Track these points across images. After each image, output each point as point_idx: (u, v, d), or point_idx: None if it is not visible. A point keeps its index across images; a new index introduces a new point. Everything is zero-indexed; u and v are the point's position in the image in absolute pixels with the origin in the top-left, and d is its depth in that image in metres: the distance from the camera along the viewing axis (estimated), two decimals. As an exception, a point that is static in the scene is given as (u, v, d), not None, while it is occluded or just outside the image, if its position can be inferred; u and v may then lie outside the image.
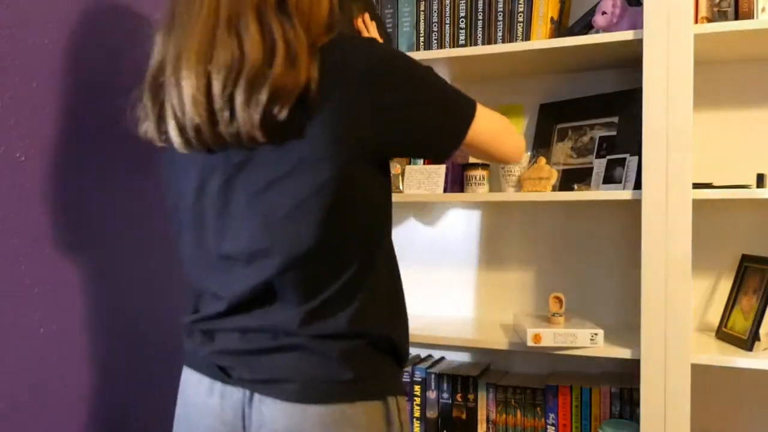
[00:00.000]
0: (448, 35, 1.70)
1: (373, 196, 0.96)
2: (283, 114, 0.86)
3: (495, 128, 1.05)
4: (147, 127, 0.98)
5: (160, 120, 0.95)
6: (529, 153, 1.75)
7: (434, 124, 0.97)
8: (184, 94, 0.89)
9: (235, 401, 0.96)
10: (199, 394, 1.00)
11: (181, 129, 0.91)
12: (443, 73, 1.82)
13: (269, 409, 0.92)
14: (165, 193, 1.06)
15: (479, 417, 1.69)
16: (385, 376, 0.98)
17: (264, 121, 0.86)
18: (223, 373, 0.97)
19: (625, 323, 1.75)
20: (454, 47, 1.69)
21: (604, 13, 1.51)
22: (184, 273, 1.05)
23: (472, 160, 1.88)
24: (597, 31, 1.55)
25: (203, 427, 0.98)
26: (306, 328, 0.92)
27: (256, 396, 0.94)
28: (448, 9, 1.70)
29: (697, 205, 1.63)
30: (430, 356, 1.89)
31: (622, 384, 1.60)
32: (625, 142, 1.60)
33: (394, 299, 1.01)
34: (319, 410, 0.90)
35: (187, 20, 0.90)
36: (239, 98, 0.86)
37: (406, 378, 1.75)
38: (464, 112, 1.00)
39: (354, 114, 0.88)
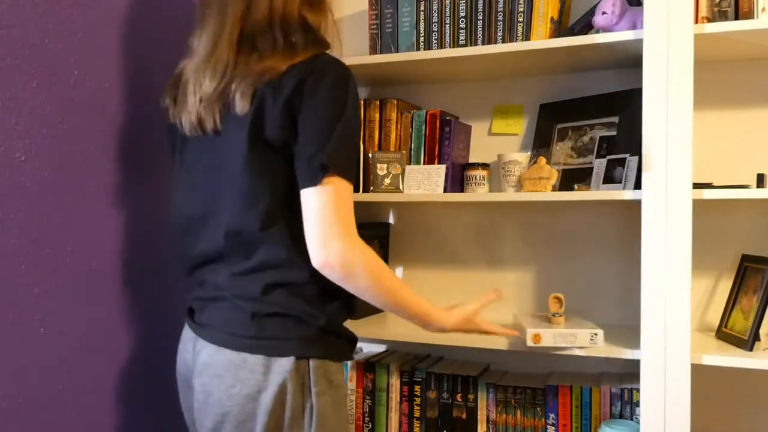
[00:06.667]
0: (448, 35, 1.70)
1: None
2: None
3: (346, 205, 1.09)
4: None
5: None
6: (529, 153, 1.75)
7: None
8: None
9: None
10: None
11: None
12: (444, 72, 1.82)
13: None
14: None
15: (479, 417, 1.69)
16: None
17: None
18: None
19: (625, 323, 1.75)
20: (454, 47, 1.69)
21: (604, 13, 1.51)
22: None
23: (472, 159, 1.88)
24: (597, 31, 1.55)
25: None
26: None
27: None
28: (448, 9, 1.70)
29: (697, 205, 1.63)
30: (429, 356, 1.89)
31: (622, 384, 1.60)
32: (625, 142, 1.60)
33: None
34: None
35: None
36: None
37: (405, 378, 1.75)
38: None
39: None
